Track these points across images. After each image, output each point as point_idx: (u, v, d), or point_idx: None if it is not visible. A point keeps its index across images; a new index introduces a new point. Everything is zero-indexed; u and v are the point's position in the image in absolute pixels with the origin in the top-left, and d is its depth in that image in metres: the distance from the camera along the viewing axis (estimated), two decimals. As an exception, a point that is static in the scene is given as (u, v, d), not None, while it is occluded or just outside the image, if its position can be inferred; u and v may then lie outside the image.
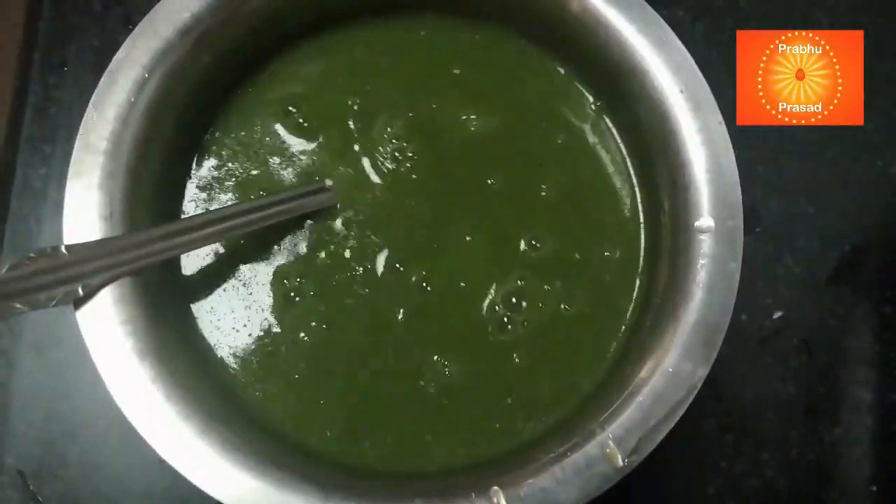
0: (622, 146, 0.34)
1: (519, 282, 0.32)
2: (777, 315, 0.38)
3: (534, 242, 0.32)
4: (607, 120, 0.34)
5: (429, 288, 0.31)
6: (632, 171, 0.33)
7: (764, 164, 0.39)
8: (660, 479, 0.36)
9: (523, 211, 0.33)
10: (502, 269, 0.32)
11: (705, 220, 0.29)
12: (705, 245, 0.28)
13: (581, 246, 0.32)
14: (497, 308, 0.31)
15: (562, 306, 0.31)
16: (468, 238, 0.32)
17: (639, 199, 0.33)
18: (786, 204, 0.39)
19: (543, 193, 0.33)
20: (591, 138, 0.34)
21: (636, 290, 0.32)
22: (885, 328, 0.38)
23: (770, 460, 0.37)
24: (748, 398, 0.37)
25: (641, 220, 0.33)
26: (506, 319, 0.31)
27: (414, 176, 0.33)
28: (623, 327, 0.31)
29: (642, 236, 0.33)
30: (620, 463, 0.26)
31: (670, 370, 0.27)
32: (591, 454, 0.26)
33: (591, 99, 0.34)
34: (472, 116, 0.33)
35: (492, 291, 0.31)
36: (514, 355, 0.31)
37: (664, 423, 0.27)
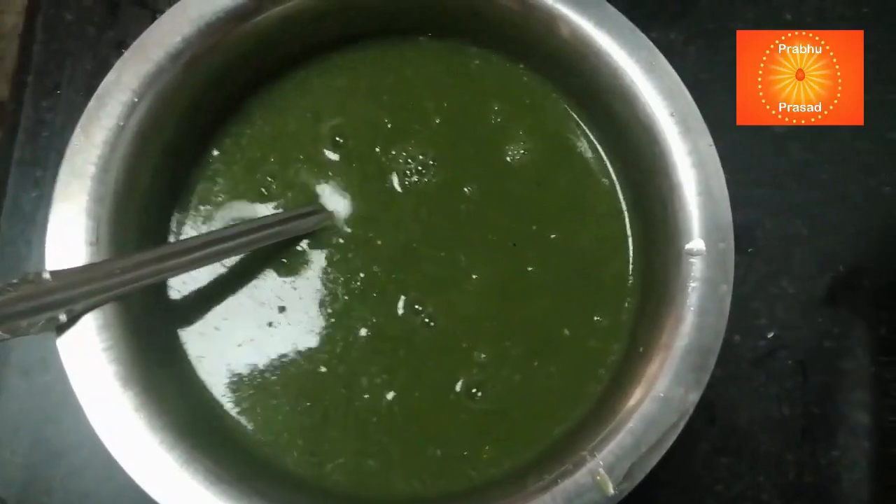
0: (611, 170, 0.33)
1: (510, 347, 0.31)
2: (771, 335, 0.38)
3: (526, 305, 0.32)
4: (599, 146, 0.34)
5: (432, 324, 0.31)
6: (621, 197, 0.33)
7: (759, 184, 0.39)
8: (653, 505, 0.36)
9: (525, 260, 0.32)
10: (499, 328, 0.31)
11: (696, 243, 0.28)
12: (696, 268, 0.28)
13: (571, 317, 0.32)
14: (474, 372, 0.31)
15: (537, 383, 0.31)
16: (475, 276, 0.32)
17: (628, 231, 0.33)
18: (781, 224, 0.39)
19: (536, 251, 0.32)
20: (586, 165, 0.34)
21: (625, 341, 0.31)
22: (881, 349, 0.38)
23: (766, 483, 0.36)
24: (743, 420, 0.37)
25: (630, 260, 0.32)
26: (475, 390, 0.30)
27: (428, 202, 0.32)
28: (594, 400, 0.30)
29: (630, 282, 0.32)
30: (612, 491, 0.26)
31: (661, 395, 0.27)
32: (582, 482, 0.26)
33: (583, 125, 0.34)
34: (496, 149, 0.33)
35: (482, 356, 0.31)
36: (466, 420, 0.30)
37: (656, 449, 0.26)
